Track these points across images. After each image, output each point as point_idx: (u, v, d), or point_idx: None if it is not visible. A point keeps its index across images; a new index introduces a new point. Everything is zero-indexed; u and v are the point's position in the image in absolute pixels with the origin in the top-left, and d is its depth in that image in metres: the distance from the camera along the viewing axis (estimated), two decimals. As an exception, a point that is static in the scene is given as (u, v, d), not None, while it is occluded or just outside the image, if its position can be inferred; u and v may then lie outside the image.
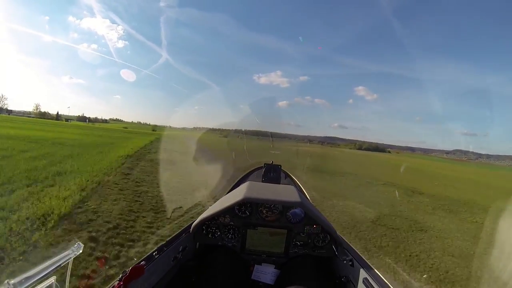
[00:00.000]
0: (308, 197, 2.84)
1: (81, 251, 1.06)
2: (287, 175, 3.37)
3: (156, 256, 1.44)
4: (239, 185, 2.61)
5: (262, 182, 2.92)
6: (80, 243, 1.06)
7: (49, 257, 1.01)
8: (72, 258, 1.04)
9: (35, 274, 0.96)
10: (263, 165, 3.14)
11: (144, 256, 1.41)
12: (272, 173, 3.02)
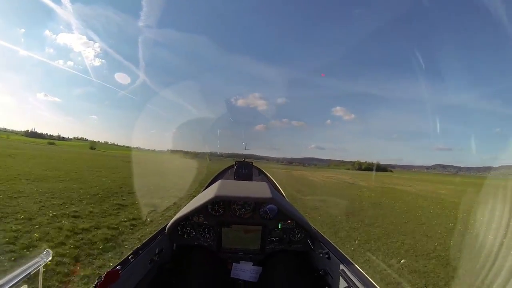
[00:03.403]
0: (283, 193, 2.81)
1: (50, 258, 1.10)
2: (260, 172, 3.32)
3: (132, 260, 1.40)
4: (212, 184, 2.59)
5: (234, 179, 2.88)
6: (49, 250, 1.11)
7: (19, 266, 1.05)
8: (42, 265, 1.08)
9: (5, 282, 0.99)
10: (234, 163, 3.10)
11: (120, 261, 1.37)
12: (244, 170, 2.99)
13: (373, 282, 1.28)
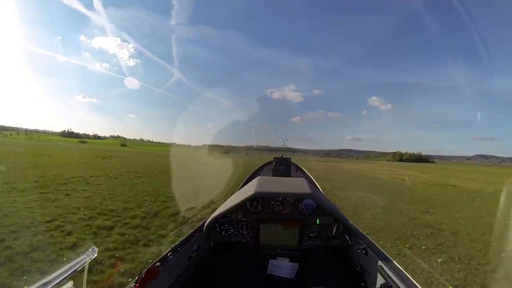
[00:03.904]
0: (320, 189, 2.82)
1: (95, 255, 1.07)
2: (297, 168, 3.35)
3: (170, 257, 1.44)
4: (250, 181, 2.61)
5: (272, 176, 2.89)
6: (95, 247, 1.07)
7: (65, 263, 1.02)
8: (87, 262, 1.06)
9: (52, 279, 0.97)
10: (272, 159, 3.12)
11: (159, 258, 1.41)
12: (282, 167, 3.01)
13: (413, 280, 1.22)
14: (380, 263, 1.45)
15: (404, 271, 1.31)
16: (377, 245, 1.64)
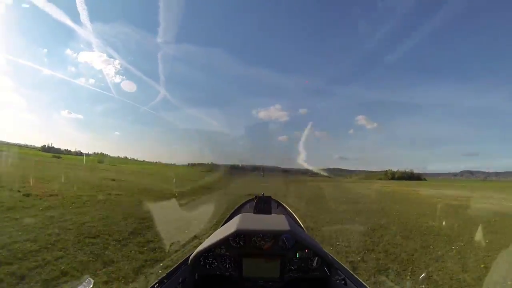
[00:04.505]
0: (301, 224, 2.99)
1: (91, 286, 1.18)
2: (279, 204, 3.54)
3: None
4: (232, 217, 2.73)
5: (254, 213, 3.06)
6: (91, 279, 1.19)
7: None
8: None
9: None
10: (254, 197, 3.32)
11: None
12: (263, 204, 3.20)
13: None
14: None
15: None
16: (355, 275, 1.76)
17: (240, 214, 2.47)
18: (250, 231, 1.95)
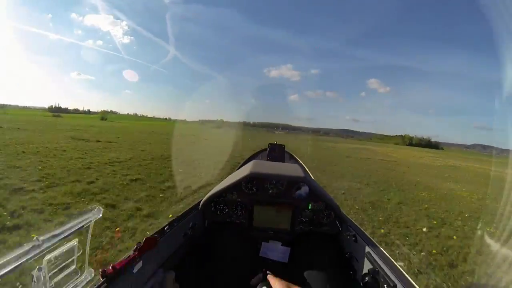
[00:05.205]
0: (312, 176, 2.88)
1: (100, 215, 1.09)
2: (291, 156, 3.45)
3: (167, 231, 1.47)
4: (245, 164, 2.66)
5: (267, 160, 2.97)
6: (100, 207, 1.09)
7: (71, 220, 1.03)
8: (93, 222, 1.07)
9: (60, 233, 0.99)
10: (267, 145, 3.18)
11: (157, 230, 1.44)
12: (277, 152, 3.11)
13: (397, 265, 1.29)
14: (367, 249, 1.50)
15: (390, 257, 1.37)
16: (366, 233, 1.68)
17: (253, 160, 2.36)
18: (264, 175, 1.86)
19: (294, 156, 3.49)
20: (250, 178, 1.88)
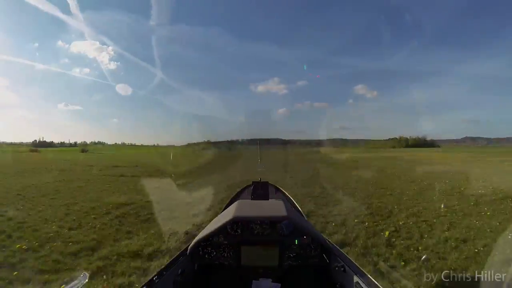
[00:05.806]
0: (300, 209, 2.95)
1: (86, 280, 1.16)
2: (277, 189, 3.49)
3: (156, 281, 1.49)
4: (230, 204, 2.70)
5: (251, 199, 3.01)
6: (86, 273, 1.16)
7: None
8: None
9: None
10: (251, 183, 3.30)
11: (145, 282, 1.46)
12: (261, 190, 3.18)
13: None
14: (356, 279, 1.53)
15: (380, 286, 1.39)
16: (354, 262, 1.72)
17: (237, 201, 2.42)
18: (247, 218, 1.92)
19: (280, 188, 3.58)
20: (235, 221, 1.92)
